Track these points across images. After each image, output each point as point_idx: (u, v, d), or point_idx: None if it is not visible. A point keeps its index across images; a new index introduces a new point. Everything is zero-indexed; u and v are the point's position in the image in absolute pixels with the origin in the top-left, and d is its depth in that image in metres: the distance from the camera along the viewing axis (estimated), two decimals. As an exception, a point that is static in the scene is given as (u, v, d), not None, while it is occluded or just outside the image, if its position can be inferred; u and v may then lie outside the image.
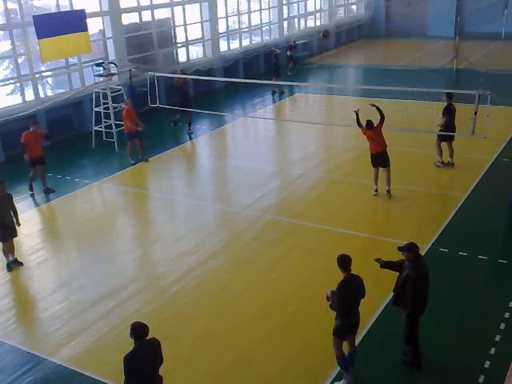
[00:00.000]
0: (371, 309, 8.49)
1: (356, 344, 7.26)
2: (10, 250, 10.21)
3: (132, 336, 5.78)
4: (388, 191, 12.15)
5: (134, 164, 15.12)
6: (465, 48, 26.47)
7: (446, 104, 13.54)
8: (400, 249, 6.99)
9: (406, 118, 16.03)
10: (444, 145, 13.73)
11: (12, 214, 10.07)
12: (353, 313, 6.80)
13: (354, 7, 36.71)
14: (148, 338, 5.84)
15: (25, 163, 13.45)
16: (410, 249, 6.93)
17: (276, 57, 22.08)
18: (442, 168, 13.80)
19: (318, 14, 32.14)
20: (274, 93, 21.98)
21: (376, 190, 12.30)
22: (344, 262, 6.78)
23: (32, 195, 13.45)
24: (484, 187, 12.68)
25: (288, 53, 25.65)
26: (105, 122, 16.85)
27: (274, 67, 22.24)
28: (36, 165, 13.31)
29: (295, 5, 29.91)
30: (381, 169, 12.13)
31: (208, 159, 16.16)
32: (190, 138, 17.37)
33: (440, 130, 13.46)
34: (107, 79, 17.08)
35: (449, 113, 13.38)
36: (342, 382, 7.05)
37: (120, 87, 17.43)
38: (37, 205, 13.05)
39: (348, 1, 35.05)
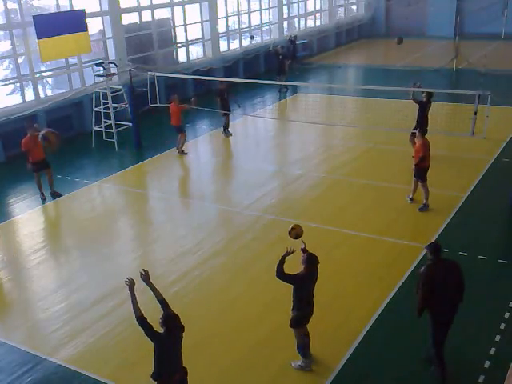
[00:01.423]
0: (371, 309, 8.50)
1: (355, 345, 7.33)
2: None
3: (163, 326, 5.72)
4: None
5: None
6: (465, 48, 26.46)
7: (424, 101, 13.62)
8: (426, 246, 7.05)
9: (406, 118, 16.02)
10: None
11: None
12: (309, 303, 7.15)
13: (354, 7, 36.71)
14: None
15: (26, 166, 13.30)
16: (429, 247, 6.95)
17: (279, 55, 22.48)
18: (442, 168, 13.78)
19: (317, 14, 32.13)
20: (280, 90, 22.18)
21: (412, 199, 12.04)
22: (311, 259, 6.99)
23: (44, 201, 13.17)
24: (484, 187, 12.68)
25: (290, 50, 25.68)
26: (105, 122, 16.85)
27: (278, 65, 22.51)
28: (41, 169, 12.96)
29: (295, 5, 29.91)
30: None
31: (208, 159, 16.16)
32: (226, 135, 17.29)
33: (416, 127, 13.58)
34: (107, 79, 17.09)
35: (426, 109, 13.50)
36: (299, 362, 7.34)
37: (120, 87, 17.44)
38: (37, 205, 13.04)
39: (348, 1, 35.05)
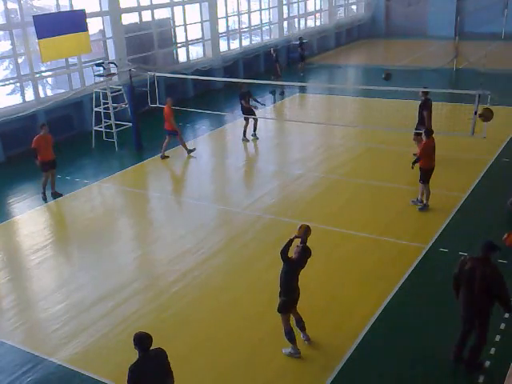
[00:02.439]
0: (372, 309, 8.50)
1: (356, 344, 7.33)
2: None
3: (137, 347, 5.49)
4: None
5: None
6: (465, 48, 26.48)
7: (422, 99, 13.64)
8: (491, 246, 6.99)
9: (406, 117, 16.02)
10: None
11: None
12: (294, 288, 7.48)
13: (354, 7, 36.72)
14: (153, 347, 5.57)
15: (30, 165, 13.28)
16: (483, 245, 6.94)
17: (276, 56, 22.37)
18: (442, 168, 13.77)
19: (317, 14, 32.15)
20: (273, 92, 21.93)
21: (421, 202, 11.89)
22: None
23: (45, 200, 13.18)
24: (484, 187, 12.68)
25: (299, 51, 25.65)
26: (105, 122, 16.85)
27: (274, 66, 22.43)
28: (48, 169, 12.98)
29: (295, 5, 29.92)
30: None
31: (208, 159, 16.16)
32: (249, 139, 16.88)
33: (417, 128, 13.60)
34: (107, 79, 17.09)
35: (428, 107, 13.51)
36: (289, 348, 7.59)
37: (120, 87, 17.44)
38: (37, 205, 13.04)
39: (348, 1, 35.06)
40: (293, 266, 7.40)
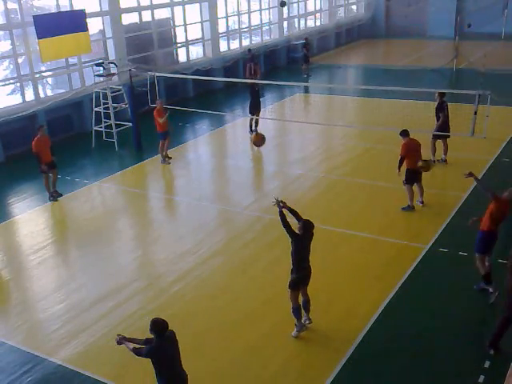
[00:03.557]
0: (372, 309, 8.50)
1: (356, 344, 7.33)
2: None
3: (153, 332, 5.80)
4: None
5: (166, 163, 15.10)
6: (465, 48, 26.48)
7: (438, 102, 13.62)
8: None
9: (406, 118, 16.02)
10: (439, 142, 13.81)
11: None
12: (305, 267, 7.78)
13: (354, 7, 36.71)
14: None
15: (29, 165, 13.23)
16: None
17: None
18: (442, 168, 13.81)
19: (317, 14, 32.14)
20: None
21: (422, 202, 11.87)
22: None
23: (53, 199, 13.15)
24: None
25: (304, 51, 25.67)
26: (105, 122, 16.86)
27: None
28: (48, 170, 12.91)
29: (295, 5, 29.92)
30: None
31: (208, 159, 16.16)
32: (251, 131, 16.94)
33: (437, 129, 13.55)
34: (107, 79, 17.09)
35: (444, 110, 13.46)
36: (295, 329, 7.90)
37: (120, 87, 17.44)
38: (37, 205, 13.04)
39: (348, 1, 35.05)
40: (300, 242, 7.65)
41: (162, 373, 5.86)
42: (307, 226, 7.67)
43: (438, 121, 13.72)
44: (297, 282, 7.77)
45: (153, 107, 16.00)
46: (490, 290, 8.66)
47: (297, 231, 7.69)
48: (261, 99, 17.62)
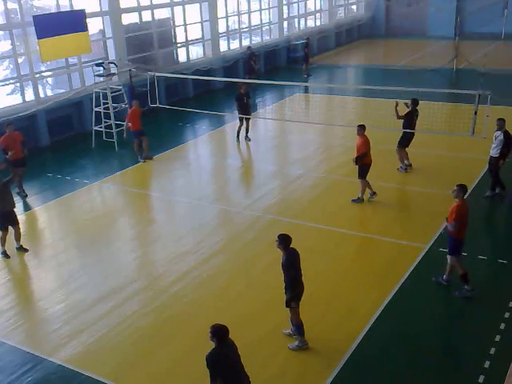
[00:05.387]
0: (372, 309, 8.50)
1: (356, 344, 7.34)
2: (16, 237, 10.73)
3: (214, 338, 5.70)
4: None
5: (143, 162, 15.16)
6: (465, 48, 26.47)
7: (410, 109, 13.44)
8: None
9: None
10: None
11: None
12: (300, 281, 7.54)
13: (354, 7, 36.70)
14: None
15: (29, 165, 13.23)
16: None
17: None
18: (442, 168, 13.80)
19: (317, 14, 32.14)
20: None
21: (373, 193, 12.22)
22: (285, 239, 7.37)
23: (25, 197, 13.22)
24: (484, 187, 12.66)
25: (305, 51, 25.67)
26: (105, 122, 16.86)
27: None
28: (18, 167, 12.80)
29: (295, 5, 29.91)
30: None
31: (208, 159, 16.15)
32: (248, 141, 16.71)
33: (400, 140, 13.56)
34: (107, 79, 17.08)
35: (412, 119, 13.34)
36: (296, 342, 7.73)
37: (120, 87, 17.44)
38: (36, 205, 13.04)
39: (348, 1, 35.05)
40: (291, 263, 7.42)
41: (227, 381, 5.72)
42: (286, 240, 7.42)
43: (403, 127, 13.46)
44: (296, 299, 7.50)
45: (153, 107, 16.06)
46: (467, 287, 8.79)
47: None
48: (252, 101, 17.42)
